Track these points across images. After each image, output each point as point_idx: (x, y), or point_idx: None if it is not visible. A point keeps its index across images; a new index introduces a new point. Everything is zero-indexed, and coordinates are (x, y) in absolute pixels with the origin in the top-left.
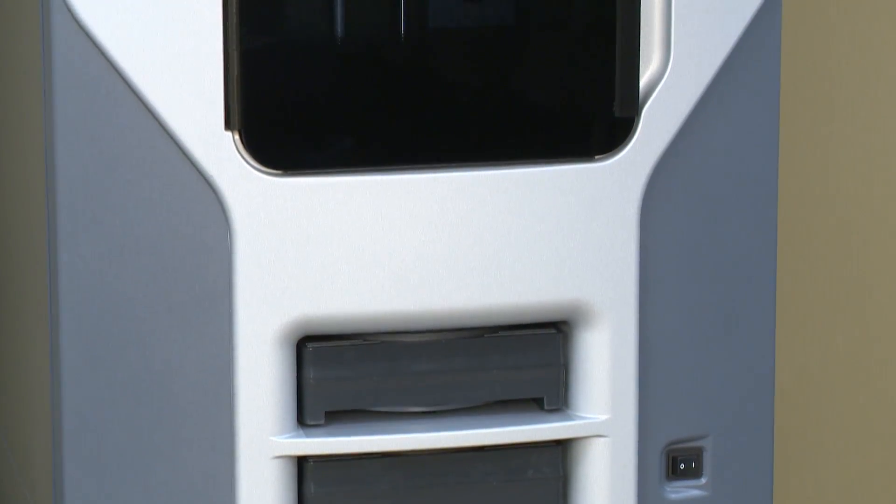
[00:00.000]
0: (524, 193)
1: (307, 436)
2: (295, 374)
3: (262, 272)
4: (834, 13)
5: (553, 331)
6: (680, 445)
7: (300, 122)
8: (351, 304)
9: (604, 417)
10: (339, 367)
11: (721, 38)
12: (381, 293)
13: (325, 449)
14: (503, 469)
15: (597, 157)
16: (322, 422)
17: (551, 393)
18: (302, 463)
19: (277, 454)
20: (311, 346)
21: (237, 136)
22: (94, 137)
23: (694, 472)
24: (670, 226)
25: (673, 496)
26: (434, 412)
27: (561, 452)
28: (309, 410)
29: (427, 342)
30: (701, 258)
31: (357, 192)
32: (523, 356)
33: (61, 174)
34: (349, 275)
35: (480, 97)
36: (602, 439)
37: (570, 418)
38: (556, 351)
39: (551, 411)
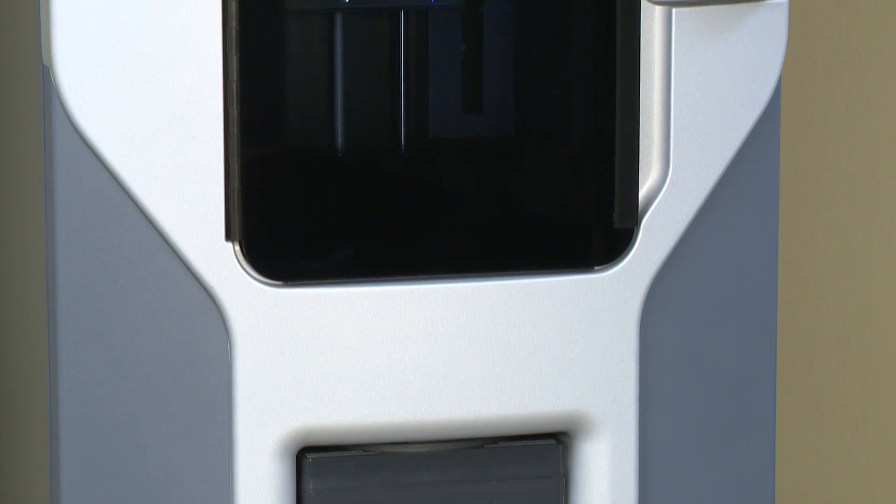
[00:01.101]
0: (523, 304)
1: None
2: (294, 486)
3: (263, 383)
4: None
5: (553, 441)
6: None
7: (301, 233)
8: (351, 415)
9: None
10: (338, 479)
11: (720, 150)
12: (381, 404)
13: None
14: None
15: (596, 267)
16: None
17: None
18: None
19: None
20: (310, 456)
21: (238, 247)
22: (95, 248)
23: None
24: (670, 337)
25: None
26: None
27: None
28: None
29: (427, 453)
30: (701, 370)
31: (357, 303)
32: (523, 467)
33: (62, 285)
34: (349, 385)
35: (480, 208)
36: None
37: None
38: (556, 462)
39: None
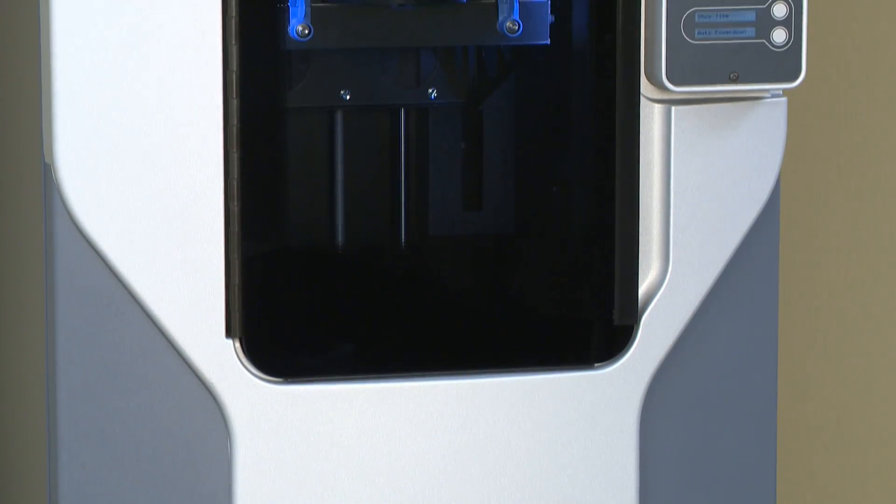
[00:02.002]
0: (523, 401)
1: None
2: None
3: (262, 479)
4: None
5: None
6: None
7: (301, 330)
8: None
9: None
10: None
11: (720, 246)
12: (380, 501)
13: None
14: None
15: (596, 364)
16: None
17: None
18: None
19: None
20: None
21: (238, 344)
22: (96, 345)
23: None
24: (670, 434)
25: None
26: None
27: None
28: None
29: None
30: (700, 466)
31: (357, 400)
32: None
33: (62, 381)
34: (349, 483)
35: (479, 304)
36: None
37: None
38: None
39: None
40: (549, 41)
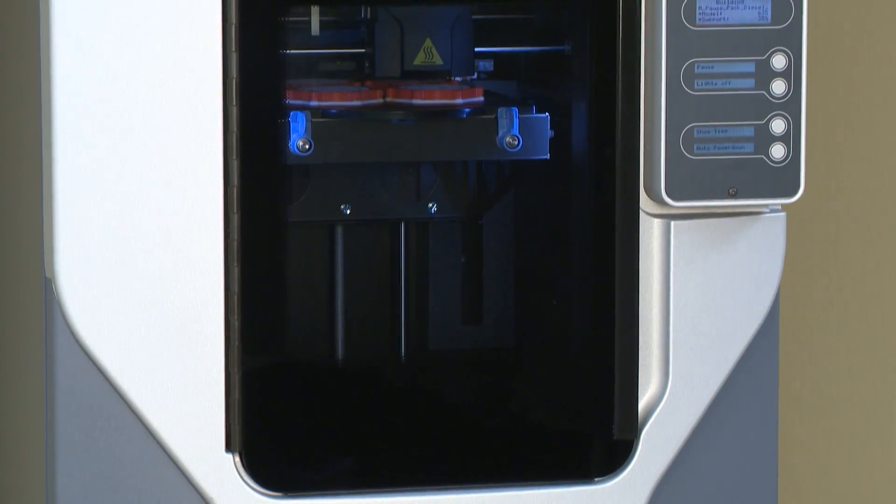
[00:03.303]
0: None
1: None
2: None
3: None
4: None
5: None
6: None
7: (301, 444)
8: None
9: None
10: None
11: (720, 361)
12: None
13: None
14: None
15: (596, 479)
16: None
17: None
18: None
19: None
20: None
21: (238, 459)
22: (95, 459)
23: None
24: None
25: None
26: None
27: None
28: None
29: None
30: None
31: None
32: None
33: (62, 496)
34: None
35: (480, 419)
36: None
37: None
38: None
39: None
40: (548, 156)
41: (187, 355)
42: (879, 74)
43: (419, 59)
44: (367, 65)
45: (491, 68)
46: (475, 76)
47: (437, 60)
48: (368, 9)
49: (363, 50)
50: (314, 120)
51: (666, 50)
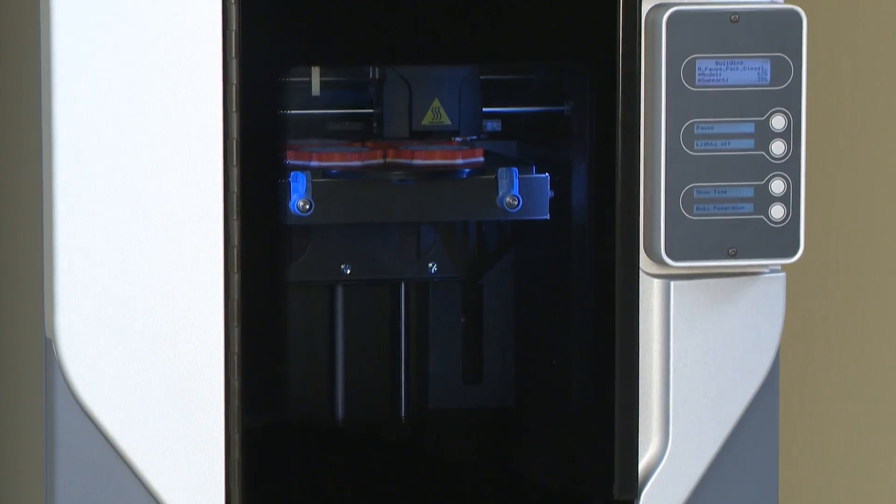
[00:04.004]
0: None
1: None
2: None
3: None
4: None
5: None
6: None
7: (301, 502)
8: None
9: None
10: None
11: (719, 421)
12: None
13: None
14: None
15: None
16: None
17: None
18: None
19: None
20: None
21: None
22: None
23: None
24: None
25: None
26: None
27: None
28: None
29: None
30: None
31: None
32: None
33: None
34: None
35: (480, 479)
36: None
37: None
38: None
39: None
40: (548, 216)
41: (187, 416)
42: (877, 136)
43: (427, 119)
44: (374, 125)
45: (498, 128)
46: (480, 136)
47: (445, 120)
48: (376, 68)
49: (368, 110)
50: (315, 180)
51: (666, 110)
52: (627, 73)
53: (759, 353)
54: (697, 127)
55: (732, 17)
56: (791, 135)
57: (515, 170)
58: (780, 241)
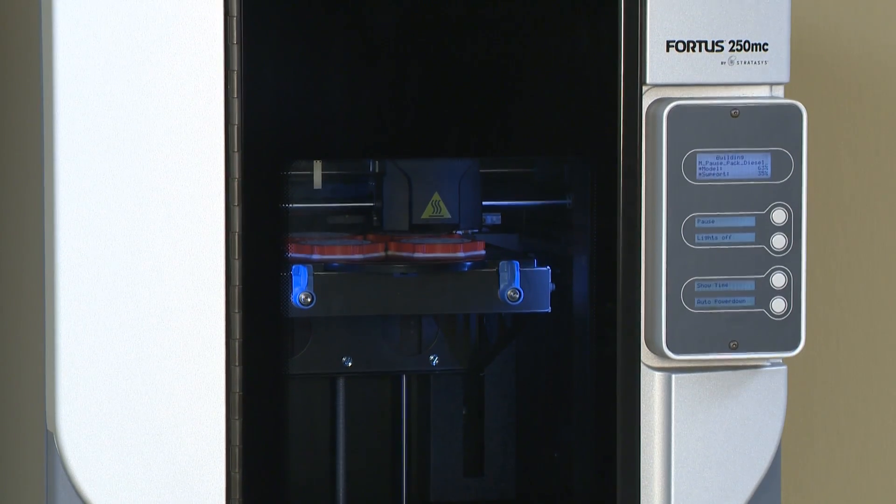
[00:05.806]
0: None
1: None
2: None
3: None
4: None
5: None
6: None
7: None
8: None
9: None
10: None
11: None
12: None
13: None
14: None
15: None
16: None
17: None
18: None
19: None
20: None
21: None
22: None
23: None
24: None
25: None
26: None
27: None
28: None
29: None
30: None
31: None
32: None
33: None
34: None
35: None
36: None
37: None
38: None
39: None
40: (550, 309)
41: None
42: (879, 229)
43: (427, 213)
44: (374, 218)
45: (498, 221)
46: (480, 229)
47: (445, 214)
48: (377, 162)
49: (369, 203)
50: (316, 273)
51: (667, 204)
52: (628, 166)
53: (760, 446)
54: (698, 220)
55: (733, 112)
56: (792, 228)
57: (517, 263)
58: (781, 334)
